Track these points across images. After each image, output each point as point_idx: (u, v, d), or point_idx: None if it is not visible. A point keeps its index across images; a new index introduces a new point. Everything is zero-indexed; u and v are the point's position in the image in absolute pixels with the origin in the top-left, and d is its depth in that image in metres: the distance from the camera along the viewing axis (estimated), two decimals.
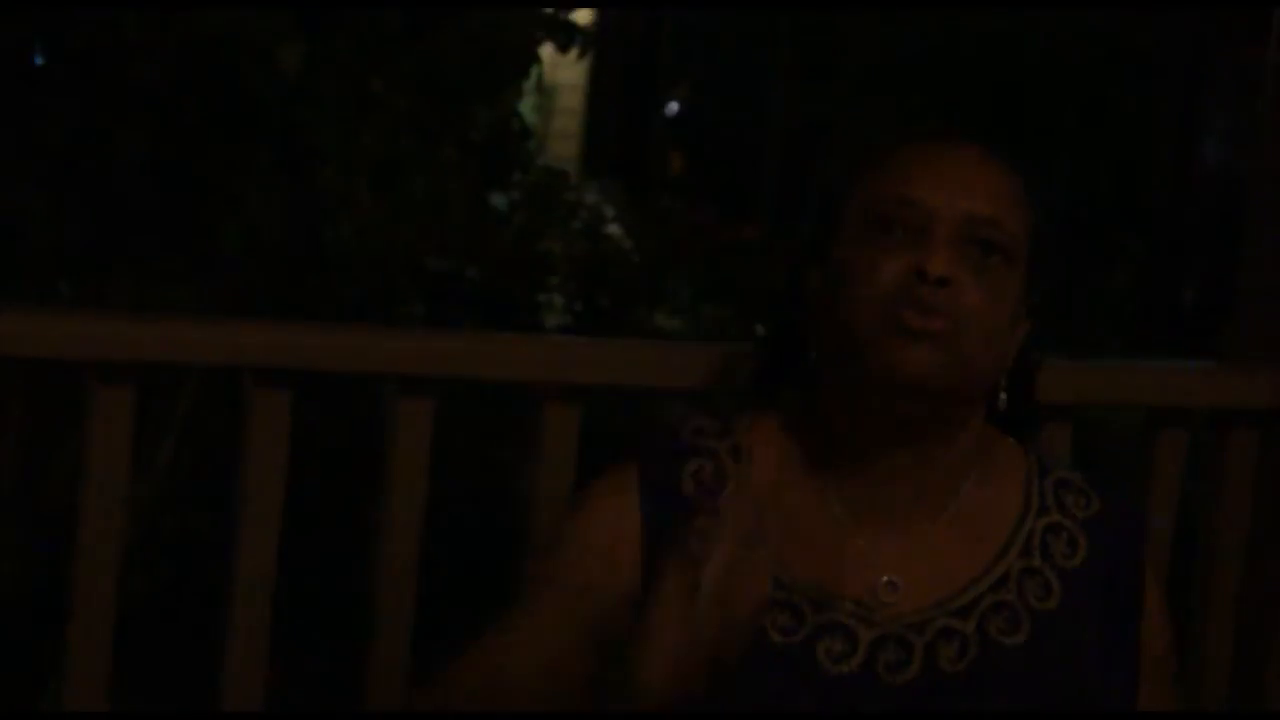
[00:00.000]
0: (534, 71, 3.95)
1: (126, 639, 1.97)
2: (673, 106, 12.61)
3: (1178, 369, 2.46)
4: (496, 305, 4.64)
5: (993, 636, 1.57)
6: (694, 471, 1.61)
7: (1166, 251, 10.76)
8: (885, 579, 1.58)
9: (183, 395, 3.46)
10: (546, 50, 3.90)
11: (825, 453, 1.60)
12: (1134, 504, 1.69)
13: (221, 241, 3.32)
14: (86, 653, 1.89)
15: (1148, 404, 2.28)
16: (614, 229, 6.20)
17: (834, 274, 1.58)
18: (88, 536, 1.88)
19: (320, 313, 3.41)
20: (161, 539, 3.50)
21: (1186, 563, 2.32)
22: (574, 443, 2.01)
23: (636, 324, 5.33)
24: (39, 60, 3.37)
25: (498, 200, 4.74)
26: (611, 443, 1.69)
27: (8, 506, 3.33)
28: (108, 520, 1.88)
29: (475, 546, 3.58)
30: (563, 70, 10.17)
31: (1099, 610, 1.61)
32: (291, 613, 2.10)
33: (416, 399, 1.98)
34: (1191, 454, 2.27)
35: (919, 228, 1.55)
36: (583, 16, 4.04)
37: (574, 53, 3.90)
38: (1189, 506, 2.29)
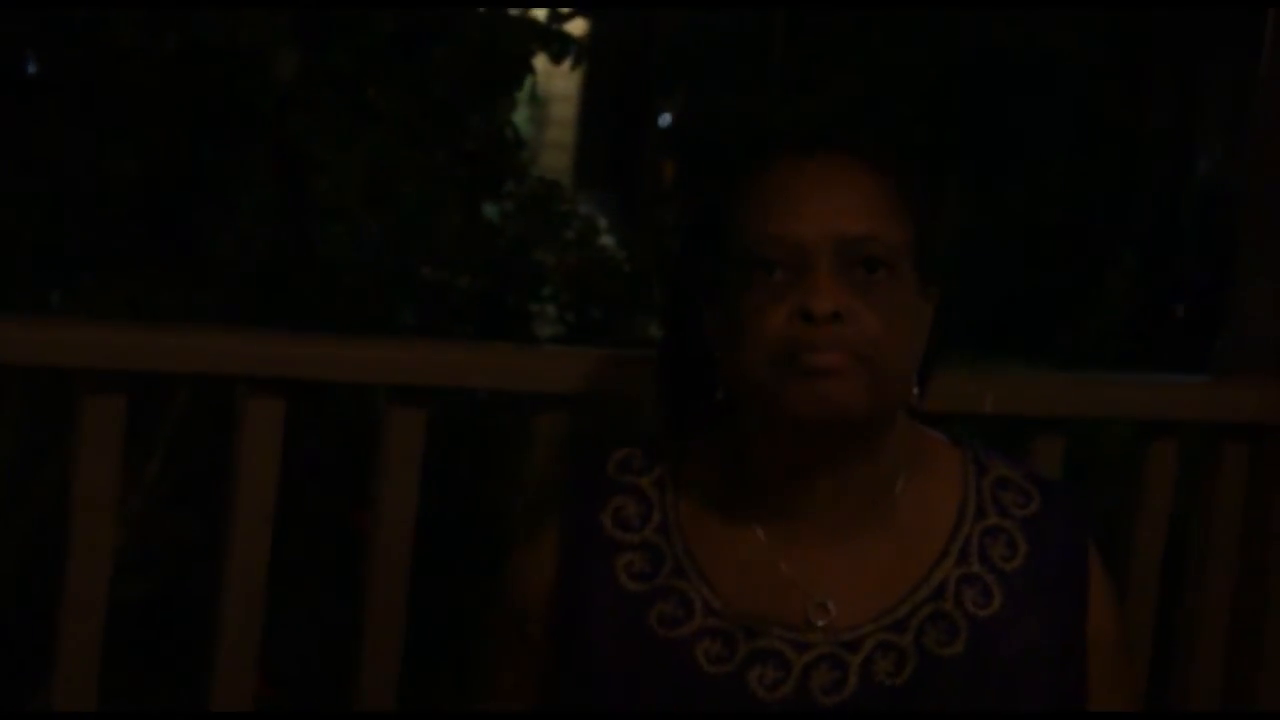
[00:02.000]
0: (527, 82, 3.95)
1: (118, 646, 1.96)
2: (665, 117, 12.62)
3: (1168, 382, 2.46)
4: (489, 315, 4.64)
5: (930, 649, 1.56)
6: (615, 509, 1.61)
7: (1159, 264, 10.77)
8: (816, 601, 1.56)
9: (175, 403, 3.46)
10: (540, 61, 3.90)
11: (749, 480, 1.59)
12: (1075, 497, 1.65)
13: (215, 250, 3.32)
14: (75, 659, 1.89)
15: (1138, 417, 2.28)
16: (607, 240, 6.21)
17: (725, 320, 1.55)
18: (77, 543, 1.88)
19: (313, 321, 3.40)
20: (153, 547, 3.49)
21: (1177, 576, 2.32)
22: (563, 451, 2.01)
23: (629, 334, 5.32)
24: (31, 68, 3.37)
25: (490, 210, 4.74)
26: (590, 449, 1.69)
27: (0, 513, 3.33)
28: (97, 527, 1.88)
29: (466, 554, 3.58)
30: (556, 81, 10.18)
31: (1042, 609, 1.59)
32: (282, 621, 2.09)
33: (408, 408, 1.98)
34: (1182, 467, 2.27)
35: (797, 264, 1.51)
36: (577, 27, 4.03)
37: (567, 64, 3.90)
38: (1179, 520, 2.29)
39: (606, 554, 1.59)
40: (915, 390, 1.57)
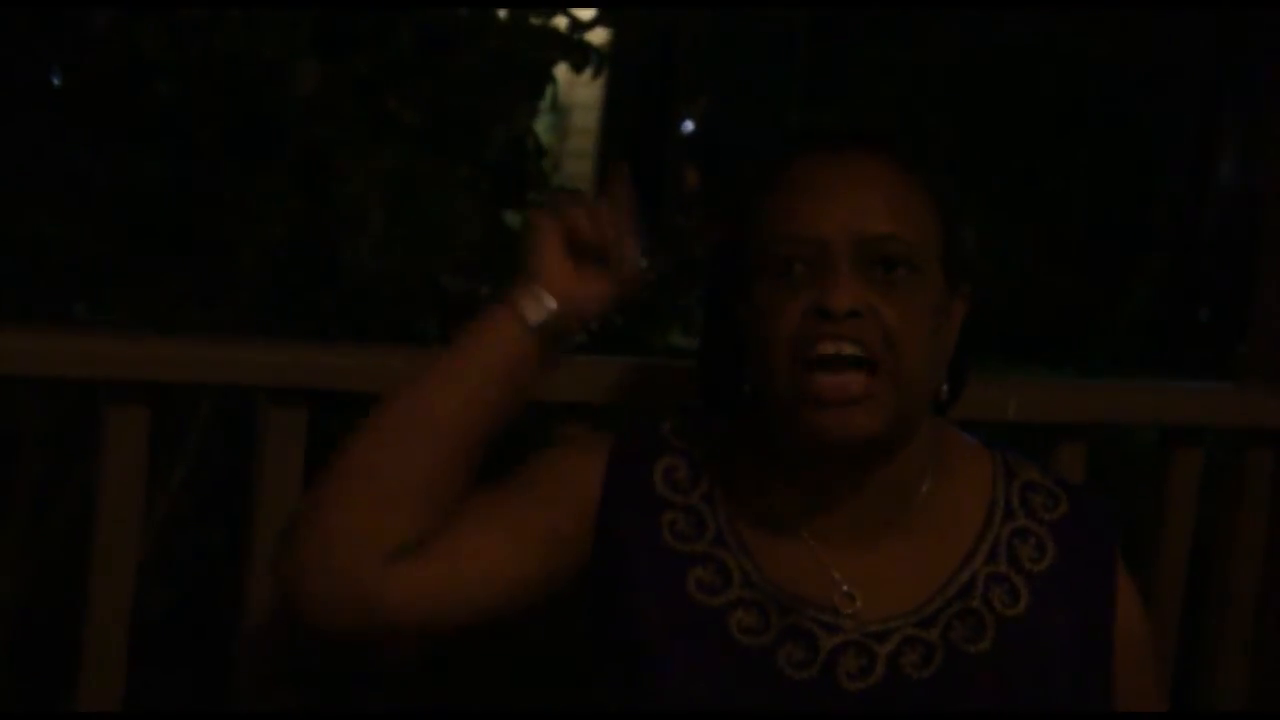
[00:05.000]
0: (549, 91, 3.94)
1: (143, 654, 1.97)
2: (688, 124, 12.63)
3: (1193, 388, 2.45)
4: None
5: (957, 645, 1.56)
6: (666, 468, 1.62)
7: (1183, 269, 10.73)
8: (844, 589, 1.58)
9: (198, 414, 3.46)
10: (562, 70, 3.90)
11: (777, 475, 1.60)
12: (1102, 503, 1.67)
13: (237, 261, 3.33)
14: (100, 666, 1.89)
15: (1162, 423, 2.28)
16: None
17: (750, 316, 1.57)
18: (102, 554, 1.88)
19: (336, 331, 3.41)
20: (178, 557, 3.50)
21: (1202, 583, 2.32)
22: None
23: (651, 343, 5.31)
24: (57, 81, 3.38)
25: (513, 219, 4.73)
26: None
27: (24, 526, 3.34)
28: (122, 538, 1.88)
29: None
30: (578, 90, 10.19)
31: (1069, 613, 1.60)
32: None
33: None
34: (1207, 474, 2.27)
35: (817, 261, 1.52)
36: (598, 36, 4.04)
37: (589, 73, 3.90)
38: (1204, 527, 2.28)
39: (654, 509, 1.60)
40: (944, 388, 1.58)
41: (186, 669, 3.24)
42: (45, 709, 3.01)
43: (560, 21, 3.83)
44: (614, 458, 1.62)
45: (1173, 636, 2.26)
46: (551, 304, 1.58)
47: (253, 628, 1.93)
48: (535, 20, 3.74)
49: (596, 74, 3.81)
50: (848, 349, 1.50)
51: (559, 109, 9.62)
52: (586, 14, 3.87)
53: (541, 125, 4.78)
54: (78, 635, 1.90)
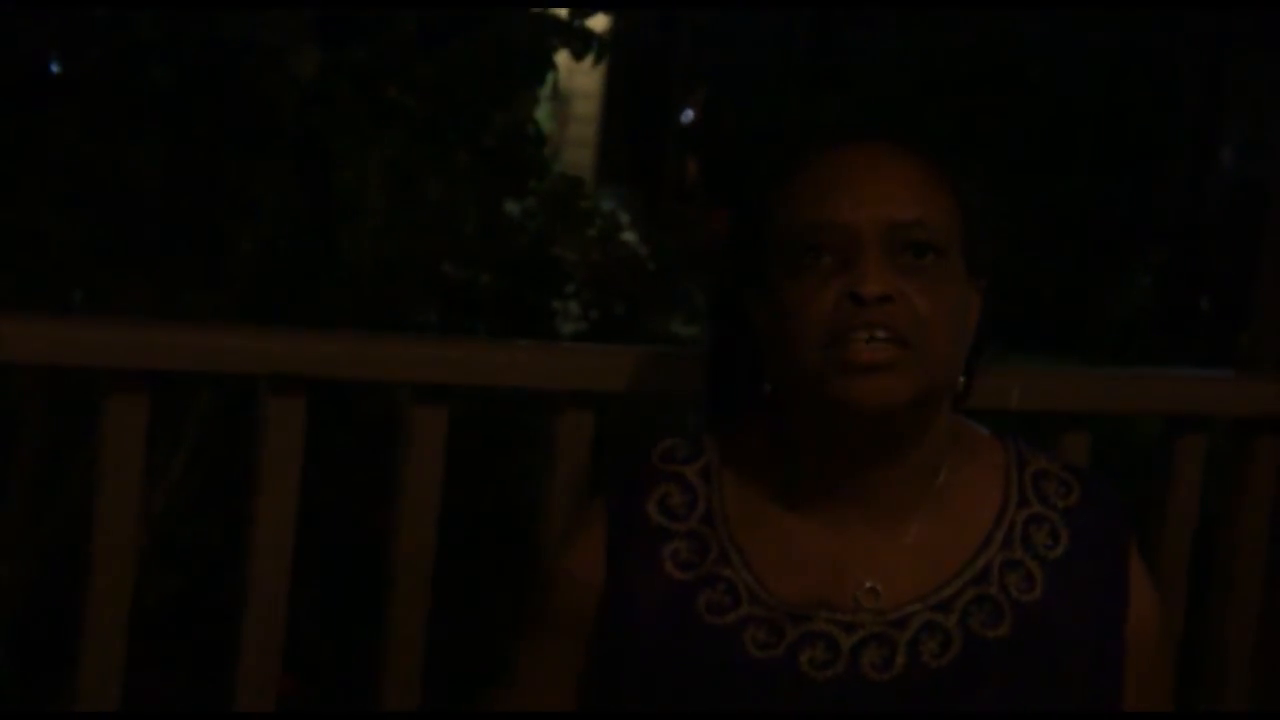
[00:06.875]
0: (549, 79, 3.94)
1: (141, 647, 1.96)
2: (688, 113, 12.62)
3: (1196, 376, 2.44)
4: (511, 312, 4.64)
5: (975, 631, 1.57)
6: (661, 497, 1.61)
7: (1184, 258, 10.73)
8: (866, 585, 1.58)
9: (198, 403, 3.46)
10: (562, 58, 3.89)
11: (796, 467, 1.60)
12: (1114, 491, 1.67)
13: (236, 248, 3.32)
14: (99, 657, 1.89)
15: (1166, 412, 2.27)
16: (629, 236, 6.20)
17: (772, 306, 1.56)
18: (101, 544, 1.88)
19: (335, 319, 3.40)
20: (177, 547, 3.49)
21: (1206, 571, 2.31)
22: (588, 449, 2.01)
23: (652, 331, 5.32)
24: (55, 68, 3.37)
25: (512, 207, 4.73)
26: (627, 445, 1.69)
27: (23, 515, 3.33)
28: (121, 527, 1.88)
29: (488, 550, 3.58)
30: (578, 78, 10.18)
31: (1083, 599, 1.60)
32: (304, 619, 2.09)
33: (431, 406, 1.97)
34: (1210, 462, 2.26)
35: (846, 248, 1.52)
36: (598, 23, 4.02)
37: (589, 60, 3.89)
38: (1208, 515, 2.28)
39: (653, 542, 1.60)
40: (961, 380, 1.59)
41: (187, 658, 3.24)
42: (45, 698, 3.01)
43: (561, 9, 3.82)
44: (611, 519, 1.62)
45: (1176, 625, 2.25)
46: None
47: (254, 617, 1.93)
48: (535, 8, 3.73)
49: (598, 61, 3.80)
50: (880, 335, 1.50)
51: (559, 96, 9.60)
52: None
53: (541, 113, 4.77)
54: (77, 625, 1.90)
